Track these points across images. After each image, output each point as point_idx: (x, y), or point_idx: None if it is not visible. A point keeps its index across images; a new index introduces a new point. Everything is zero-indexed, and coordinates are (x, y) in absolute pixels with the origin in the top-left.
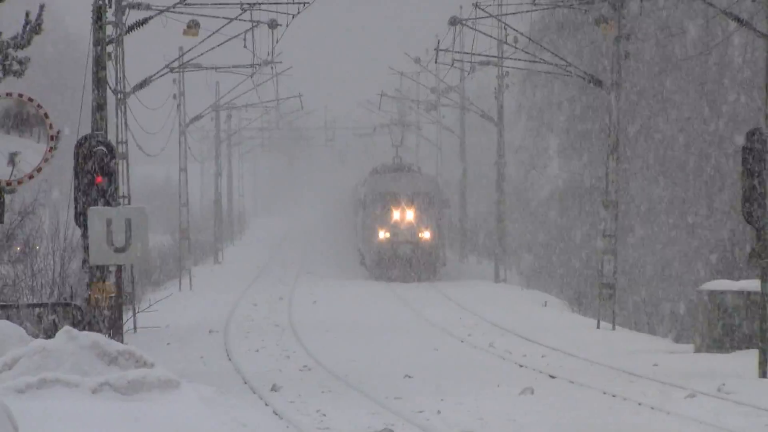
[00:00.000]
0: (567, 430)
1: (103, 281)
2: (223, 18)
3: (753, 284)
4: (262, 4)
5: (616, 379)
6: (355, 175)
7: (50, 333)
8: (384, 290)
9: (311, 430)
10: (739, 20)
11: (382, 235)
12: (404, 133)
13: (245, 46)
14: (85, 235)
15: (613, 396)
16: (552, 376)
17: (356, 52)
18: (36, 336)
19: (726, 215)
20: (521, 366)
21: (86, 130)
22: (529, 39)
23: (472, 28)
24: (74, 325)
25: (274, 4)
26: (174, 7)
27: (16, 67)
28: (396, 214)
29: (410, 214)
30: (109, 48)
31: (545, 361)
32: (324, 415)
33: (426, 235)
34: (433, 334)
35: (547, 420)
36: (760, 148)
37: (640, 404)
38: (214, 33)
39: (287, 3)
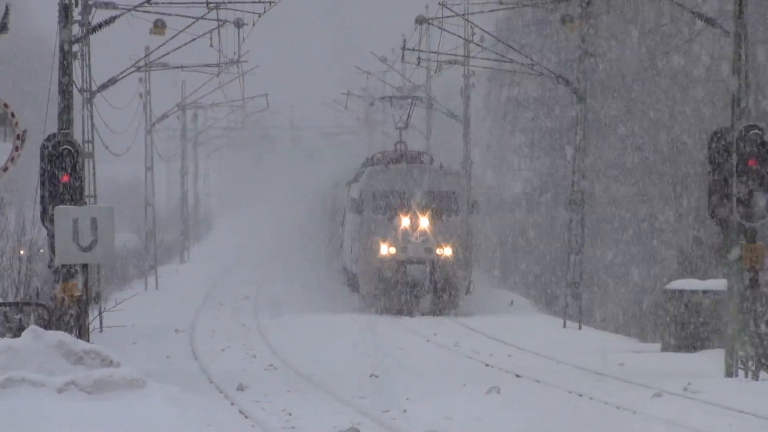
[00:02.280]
0: (533, 429)
1: (69, 280)
2: (189, 17)
3: (719, 283)
4: (228, 3)
5: (582, 378)
6: (322, 173)
7: (16, 332)
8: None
9: (277, 430)
10: (706, 19)
11: (385, 250)
12: (372, 134)
13: (211, 46)
14: (50, 235)
15: (579, 395)
16: (518, 376)
17: (323, 51)
18: (2, 335)
19: (691, 215)
20: (487, 365)
21: (53, 129)
22: (496, 38)
23: (438, 27)
24: (40, 324)
25: (240, 3)
26: (140, 6)
27: None
28: (405, 222)
29: (425, 223)
30: (76, 47)
31: (511, 361)
32: (290, 414)
33: (447, 251)
34: (399, 334)
35: (513, 419)
36: (726, 146)
37: (606, 403)
38: (180, 32)
39: (253, 2)
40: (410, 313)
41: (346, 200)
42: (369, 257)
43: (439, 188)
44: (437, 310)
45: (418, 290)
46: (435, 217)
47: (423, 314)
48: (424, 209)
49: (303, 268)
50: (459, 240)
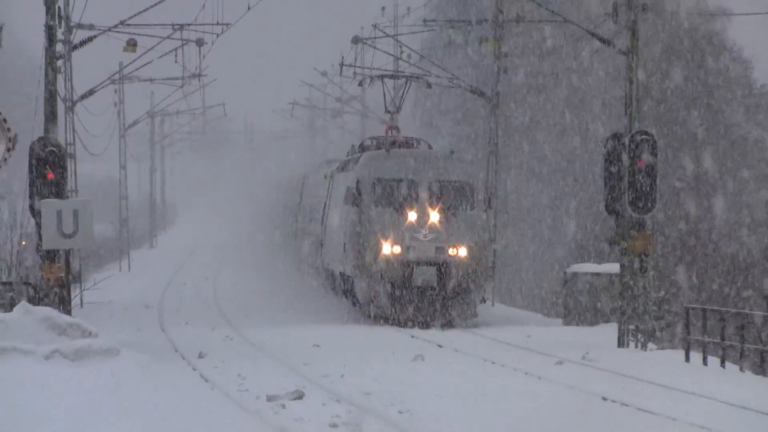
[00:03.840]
0: (451, 390)
1: (54, 263)
2: (157, 37)
3: (612, 267)
4: (191, 25)
5: (495, 348)
6: (271, 170)
7: (8, 308)
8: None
9: (232, 392)
10: (602, 39)
11: (389, 249)
12: (314, 138)
13: (176, 61)
14: (38, 224)
15: (492, 363)
16: (440, 346)
17: (273, 66)
18: None
19: (591, 208)
20: (413, 337)
21: (39, 132)
22: (420, 55)
23: (371, 45)
24: (29, 301)
25: (201, 25)
26: (115, 28)
27: None
28: (412, 217)
29: (435, 217)
30: (59, 62)
31: (433, 333)
32: (244, 378)
33: (461, 251)
34: (340, 309)
35: (434, 381)
36: (619, 148)
37: (515, 369)
38: (149, 50)
39: (212, 24)
40: (425, 324)
41: (327, 193)
42: (368, 257)
43: (450, 177)
44: (448, 321)
45: (431, 297)
46: (447, 212)
47: (442, 326)
48: (434, 202)
49: (255, 254)
50: (475, 238)
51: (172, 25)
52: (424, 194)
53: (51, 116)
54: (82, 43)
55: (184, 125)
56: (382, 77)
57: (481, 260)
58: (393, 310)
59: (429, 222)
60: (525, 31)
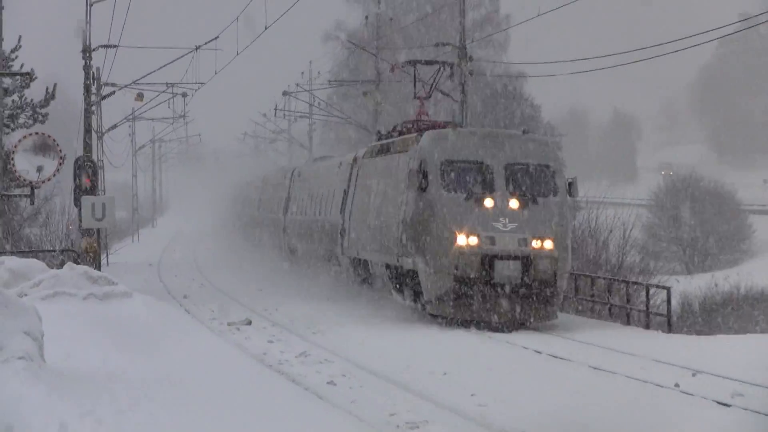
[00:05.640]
0: (348, 315)
1: (90, 237)
2: (156, 91)
3: None
4: (178, 84)
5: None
6: (232, 179)
7: (60, 266)
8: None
9: (205, 319)
10: (444, 93)
11: (464, 240)
12: (258, 157)
13: (169, 107)
14: (79, 211)
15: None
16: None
17: (233, 108)
18: (52, 267)
19: None
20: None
21: (80, 153)
22: (327, 103)
23: (294, 96)
24: (74, 261)
25: (185, 83)
26: (129, 85)
27: (41, 118)
28: (488, 204)
29: (515, 204)
30: (93, 107)
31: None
32: (212, 311)
33: (547, 244)
34: (274, 268)
35: (337, 312)
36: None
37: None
38: (151, 99)
39: (193, 83)
40: (506, 327)
41: (349, 180)
42: (438, 249)
43: (528, 159)
44: (526, 320)
45: (513, 295)
46: (527, 198)
47: (512, 328)
48: (513, 187)
49: (222, 235)
50: (559, 229)
51: (166, 83)
52: (500, 178)
53: (88, 142)
54: (107, 95)
55: (174, 148)
56: (414, 63)
57: (564, 255)
58: (466, 309)
59: (509, 209)
60: (395, 86)
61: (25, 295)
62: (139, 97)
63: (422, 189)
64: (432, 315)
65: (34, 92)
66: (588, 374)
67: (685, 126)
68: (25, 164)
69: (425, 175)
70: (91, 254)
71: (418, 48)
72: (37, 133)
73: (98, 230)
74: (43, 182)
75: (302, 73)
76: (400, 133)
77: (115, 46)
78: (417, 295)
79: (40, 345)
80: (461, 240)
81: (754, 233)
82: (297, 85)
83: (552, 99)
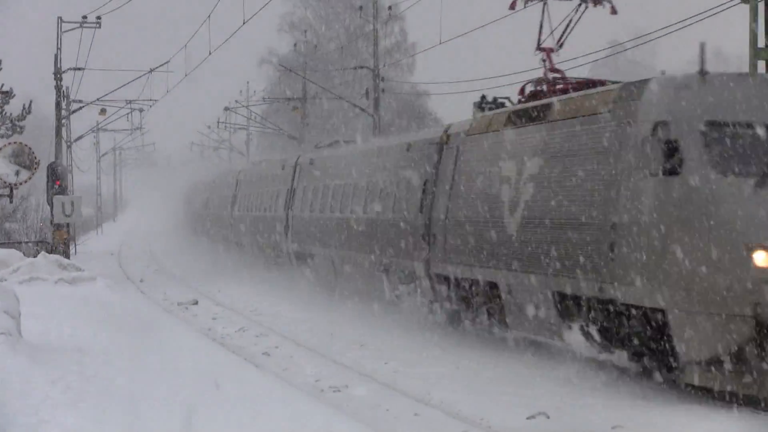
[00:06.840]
0: (284, 298)
1: (60, 230)
2: (117, 106)
3: None
4: (136, 101)
5: None
6: (182, 182)
7: (35, 255)
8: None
9: (159, 300)
10: (361, 108)
11: (763, 258)
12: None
13: (128, 120)
14: (51, 208)
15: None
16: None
17: (183, 120)
18: (28, 256)
19: None
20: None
21: (52, 159)
22: (261, 117)
23: (234, 111)
24: (47, 251)
25: (142, 100)
26: (94, 102)
27: (18, 130)
28: None
29: None
30: (63, 120)
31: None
32: (165, 293)
33: None
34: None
35: (273, 295)
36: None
37: None
38: (112, 114)
39: (148, 100)
40: None
41: (436, 171)
42: (716, 275)
43: None
44: None
45: None
46: None
47: None
48: None
49: (174, 230)
50: None
51: (125, 100)
52: None
53: (59, 150)
54: (76, 110)
55: (132, 155)
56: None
57: None
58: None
59: None
60: (319, 103)
61: (5, 279)
62: (103, 111)
63: (669, 171)
64: (690, 386)
65: (13, 107)
66: None
67: None
68: (4, 169)
69: (674, 148)
70: (61, 245)
71: (338, 70)
72: (15, 143)
73: (67, 225)
74: (21, 184)
75: (240, 91)
76: (532, 97)
77: (82, 69)
78: (651, 350)
79: (18, 323)
80: (762, 258)
81: None
82: (236, 101)
83: (455, 113)
